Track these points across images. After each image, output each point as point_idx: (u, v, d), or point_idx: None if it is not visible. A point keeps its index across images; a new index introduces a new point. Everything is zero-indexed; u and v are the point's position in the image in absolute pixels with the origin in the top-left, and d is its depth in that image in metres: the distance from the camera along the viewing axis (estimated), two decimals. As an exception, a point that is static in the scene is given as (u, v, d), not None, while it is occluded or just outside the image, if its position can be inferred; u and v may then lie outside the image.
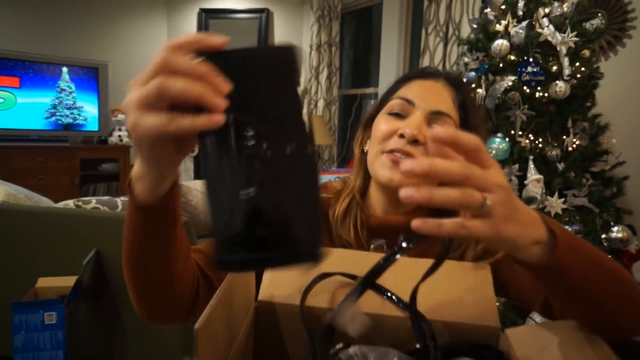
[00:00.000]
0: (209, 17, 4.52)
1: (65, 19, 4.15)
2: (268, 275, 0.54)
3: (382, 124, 0.69)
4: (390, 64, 3.52)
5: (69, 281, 1.52)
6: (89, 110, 4.11)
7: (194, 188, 1.71)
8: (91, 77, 4.07)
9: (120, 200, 1.85)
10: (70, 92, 3.96)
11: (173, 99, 0.33)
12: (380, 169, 0.67)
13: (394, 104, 0.69)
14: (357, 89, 4.29)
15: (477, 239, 0.41)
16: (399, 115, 0.68)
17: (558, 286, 0.45)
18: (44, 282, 1.56)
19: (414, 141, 0.64)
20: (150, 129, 0.34)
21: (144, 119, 0.34)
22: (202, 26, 4.49)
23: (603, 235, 1.71)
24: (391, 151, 0.66)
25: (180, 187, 1.74)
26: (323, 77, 4.18)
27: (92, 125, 4.16)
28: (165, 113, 0.34)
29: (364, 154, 0.75)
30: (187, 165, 4.77)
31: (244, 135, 0.32)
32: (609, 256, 0.50)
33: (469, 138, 0.35)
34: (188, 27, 4.57)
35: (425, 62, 3.01)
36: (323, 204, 0.74)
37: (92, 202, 1.77)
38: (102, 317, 1.66)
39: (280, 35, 4.60)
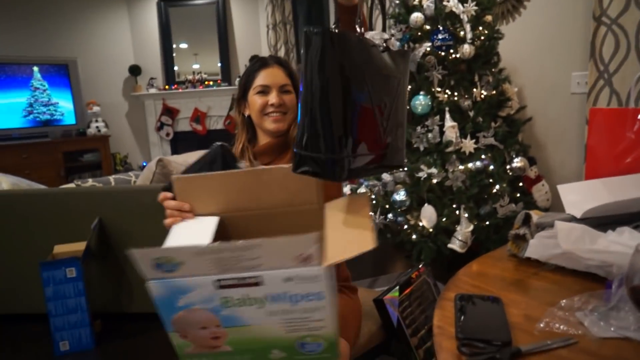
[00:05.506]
0: (168, 6, 4.72)
1: (30, 19, 4.31)
2: None
3: (258, 100, 1.15)
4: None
5: (80, 246, 1.87)
6: (64, 106, 4.34)
7: (174, 160, 2.06)
8: (62, 73, 4.29)
9: (112, 178, 2.19)
10: (44, 90, 4.18)
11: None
12: (269, 124, 1.15)
13: (257, 88, 1.16)
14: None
15: None
16: (264, 92, 1.15)
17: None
18: (59, 249, 1.90)
19: (280, 105, 1.14)
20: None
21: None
22: (163, 16, 4.70)
23: (507, 166, 2.14)
24: (269, 113, 1.15)
25: (162, 160, 2.09)
26: (281, 54, 4.49)
27: (69, 119, 4.40)
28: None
29: (245, 118, 1.21)
30: (164, 149, 5.05)
31: None
32: None
33: None
34: (149, 17, 4.77)
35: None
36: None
37: (89, 182, 2.10)
38: (109, 273, 2.03)
39: (238, 18, 4.84)
